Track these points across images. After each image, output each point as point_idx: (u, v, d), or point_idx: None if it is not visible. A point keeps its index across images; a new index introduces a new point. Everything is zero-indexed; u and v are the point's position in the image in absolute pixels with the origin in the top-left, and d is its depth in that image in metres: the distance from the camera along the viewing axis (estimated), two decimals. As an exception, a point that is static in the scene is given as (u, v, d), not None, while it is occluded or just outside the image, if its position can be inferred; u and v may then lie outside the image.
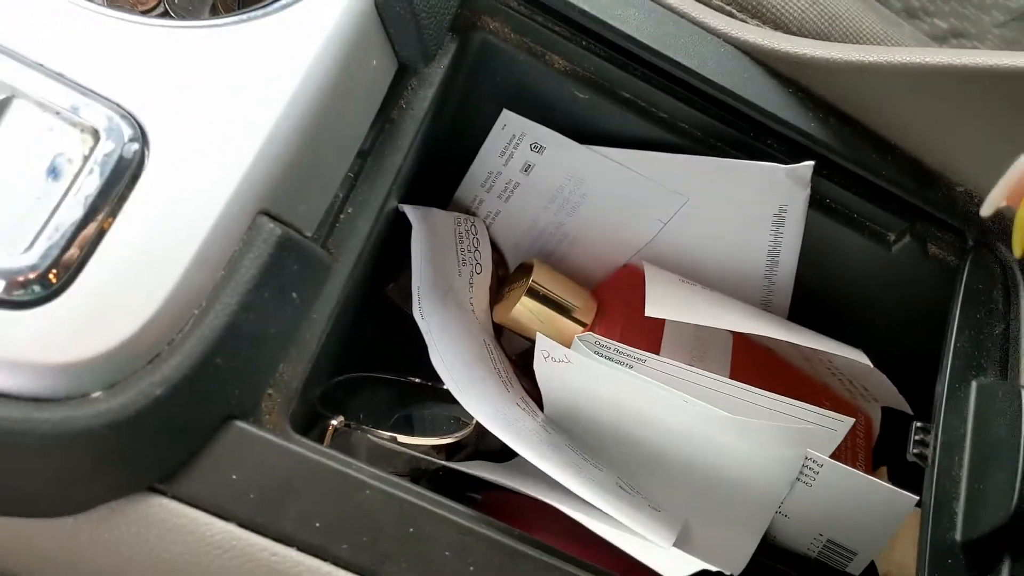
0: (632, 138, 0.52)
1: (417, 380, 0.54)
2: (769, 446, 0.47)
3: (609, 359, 0.49)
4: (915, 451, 0.47)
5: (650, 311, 0.49)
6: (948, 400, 0.47)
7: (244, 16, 0.39)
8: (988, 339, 0.49)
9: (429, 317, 0.47)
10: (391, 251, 0.50)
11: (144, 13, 0.47)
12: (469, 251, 0.53)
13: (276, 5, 0.40)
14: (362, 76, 0.42)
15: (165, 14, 0.48)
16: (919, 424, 0.47)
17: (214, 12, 0.49)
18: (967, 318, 0.49)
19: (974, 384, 0.47)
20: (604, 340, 0.49)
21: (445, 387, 0.46)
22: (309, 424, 0.45)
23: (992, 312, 0.50)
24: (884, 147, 0.52)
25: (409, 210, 0.49)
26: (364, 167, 0.44)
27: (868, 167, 0.52)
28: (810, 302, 0.58)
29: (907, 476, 0.49)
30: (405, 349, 0.49)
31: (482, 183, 0.54)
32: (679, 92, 0.51)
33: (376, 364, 0.53)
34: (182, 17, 0.48)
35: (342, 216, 0.43)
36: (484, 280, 0.54)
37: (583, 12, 0.48)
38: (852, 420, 0.47)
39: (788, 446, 0.47)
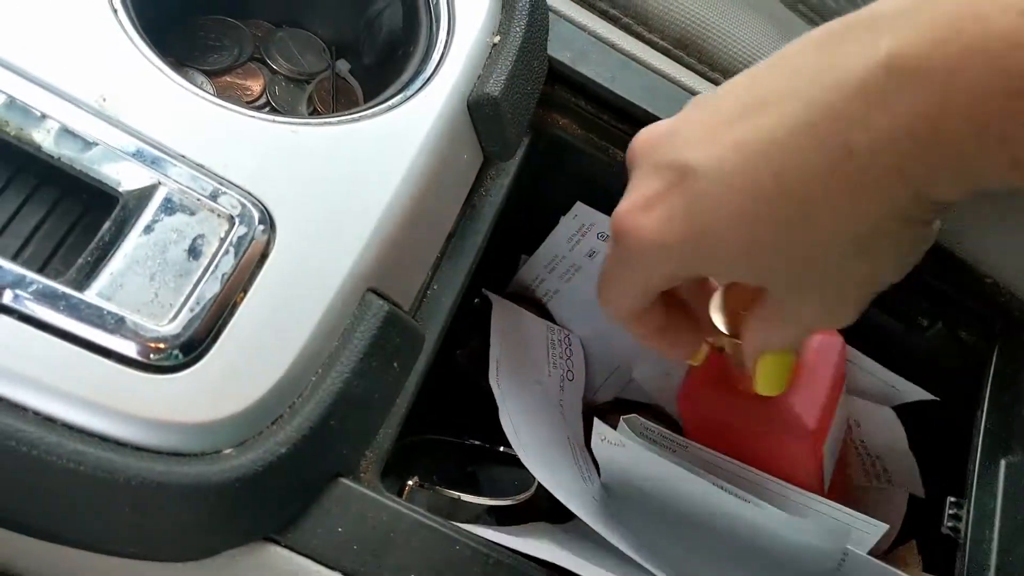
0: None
1: (477, 442, 0.58)
2: (807, 540, 0.49)
3: (653, 442, 0.53)
4: (949, 524, 0.50)
5: None
6: (979, 477, 0.50)
7: (356, 115, 0.44)
8: (1015, 420, 0.53)
9: (506, 387, 0.51)
10: (460, 320, 0.54)
11: (249, 104, 0.52)
12: (562, 358, 0.58)
13: (383, 106, 0.45)
14: (455, 169, 0.47)
15: (268, 104, 0.53)
16: (953, 499, 0.50)
17: (310, 103, 0.54)
18: (996, 400, 0.53)
19: (1003, 462, 0.50)
20: (649, 424, 0.53)
21: (506, 451, 0.50)
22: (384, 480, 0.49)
23: (1019, 395, 0.54)
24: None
25: (493, 297, 0.53)
26: (449, 248, 0.49)
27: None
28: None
29: (935, 549, 0.52)
30: (464, 409, 0.53)
31: (546, 264, 0.59)
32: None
33: (436, 423, 0.57)
34: (284, 109, 0.53)
35: (429, 292, 0.47)
36: (577, 388, 0.58)
37: (646, 112, 0.53)
38: (887, 526, 0.50)
39: (827, 542, 0.49)
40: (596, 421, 0.51)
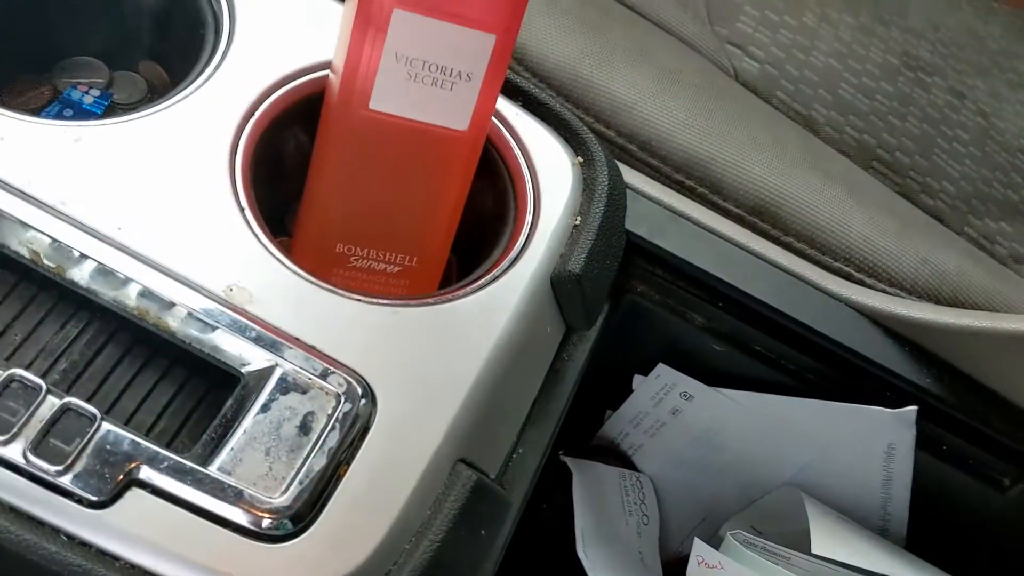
0: (763, 383, 0.59)
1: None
2: None
3: (761, 551, 0.54)
4: None
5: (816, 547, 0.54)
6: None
7: (447, 296, 0.49)
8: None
9: (593, 555, 0.54)
10: (546, 473, 0.57)
11: (35, 111, 0.55)
12: (635, 503, 0.60)
13: (475, 286, 0.49)
14: (539, 341, 0.51)
15: (112, 107, 0.57)
16: None
17: (151, 95, 0.57)
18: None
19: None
20: (753, 537, 0.54)
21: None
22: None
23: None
24: (993, 398, 0.58)
25: (571, 463, 0.56)
26: (532, 413, 0.52)
27: (978, 417, 0.57)
28: (928, 533, 0.62)
29: None
30: (550, 563, 0.55)
31: (631, 420, 0.62)
32: (804, 346, 0.58)
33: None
34: (126, 108, 0.56)
35: (514, 456, 0.51)
36: (652, 531, 0.60)
37: (719, 280, 0.57)
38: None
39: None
40: (696, 540, 0.53)
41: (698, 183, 0.63)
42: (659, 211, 0.57)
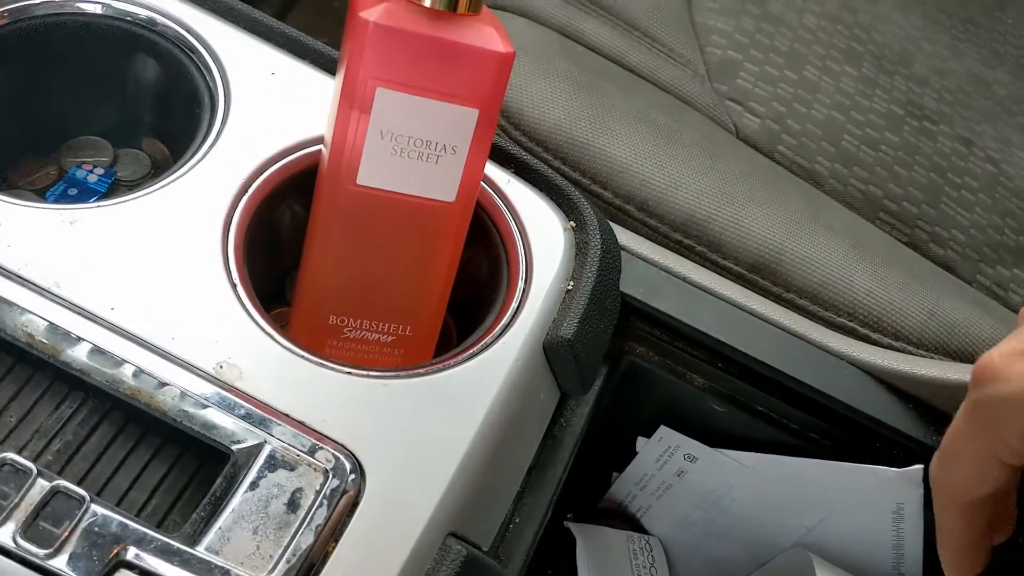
0: (766, 443, 0.59)
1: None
2: None
3: None
4: None
5: None
6: None
7: (438, 365, 0.49)
8: None
9: None
10: (549, 540, 0.57)
11: (41, 191, 0.57)
12: (645, 567, 0.59)
13: (467, 355, 0.49)
14: (533, 407, 0.50)
15: (116, 184, 0.58)
16: None
17: (155, 171, 0.58)
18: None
19: None
20: None
21: None
22: None
23: None
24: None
25: (575, 528, 0.56)
26: (530, 481, 0.52)
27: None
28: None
29: None
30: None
31: (636, 482, 0.61)
32: (808, 406, 0.57)
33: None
34: (130, 185, 0.57)
35: (511, 526, 0.50)
36: None
37: (718, 340, 0.56)
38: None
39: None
40: None
41: (696, 242, 0.63)
42: (656, 272, 0.57)
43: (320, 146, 0.53)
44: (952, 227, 0.79)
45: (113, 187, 0.60)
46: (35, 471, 0.41)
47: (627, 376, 0.58)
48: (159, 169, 0.61)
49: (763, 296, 0.61)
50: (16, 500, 0.40)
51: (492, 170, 0.55)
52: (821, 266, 0.64)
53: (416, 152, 0.48)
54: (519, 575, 0.49)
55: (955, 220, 0.80)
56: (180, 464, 0.45)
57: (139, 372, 0.45)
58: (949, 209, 0.80)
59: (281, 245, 0.56)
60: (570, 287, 0.53)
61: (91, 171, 0.60)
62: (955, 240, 0.79)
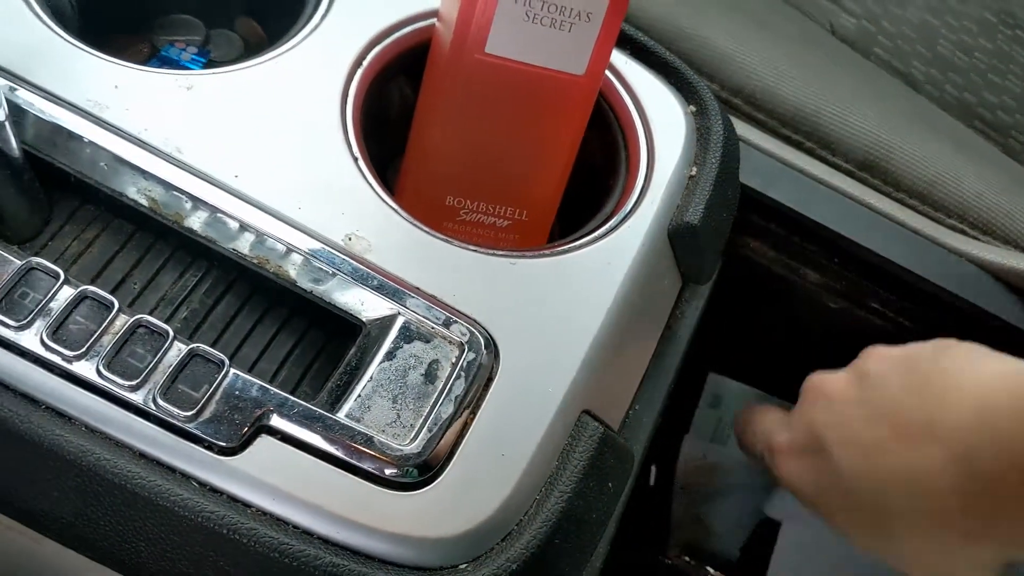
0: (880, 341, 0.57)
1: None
2: None
3: None
4: None
5: None
6: None
7: (566, 248, 0.47)
8: None
9: None
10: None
11: (144, 61, 0.55)
12: None
13: (590, 238, 0.48)
14: (657, 293, 0.49)
15: (211, 63, 0.56)
16: None
17: (247, 52, 0.56)
18: None
19: None
20: None
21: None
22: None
23: None
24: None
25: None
26: (648, 369, 0.51)
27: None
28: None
29: None
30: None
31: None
32: (925, 302, 0.56)
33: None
34: (221, 62, 0.55)
35: (631, 412, 0.49)
36: None
37: (836, 234, 0.55)
38: None
39: None
40: None
41: (806, 138, 0.61)
42: (771, 163, 0.56)
43: (433, 20, 0.51)
44: (1047, 138, 0.77)
45: (207, 67, 0.58)
46: (172, 333, 0.40)
47: (740, 271, 0.57)
48: (251, 50, 0.59)
49: (876, 193, 0.59)
50: (153, 362, 0.39)
51: (610, 51, 0.53)
52: (930, 166, 0.62)
53: (549, 19, 0.46)
54: (639, 464, 0.48)
55: (1049, 131, 0.78)
56: (307, 337, 0.44)
57: (265, 240, 0.43)
58: (1044, 120, 0.78)
59: (385, 129, 0.54)
60: (693, 173, 0.51)
61: (184, 50, 0.58)
62: (1050, 151, 0.76)
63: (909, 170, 0.62)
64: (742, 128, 0.57)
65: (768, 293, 0.57)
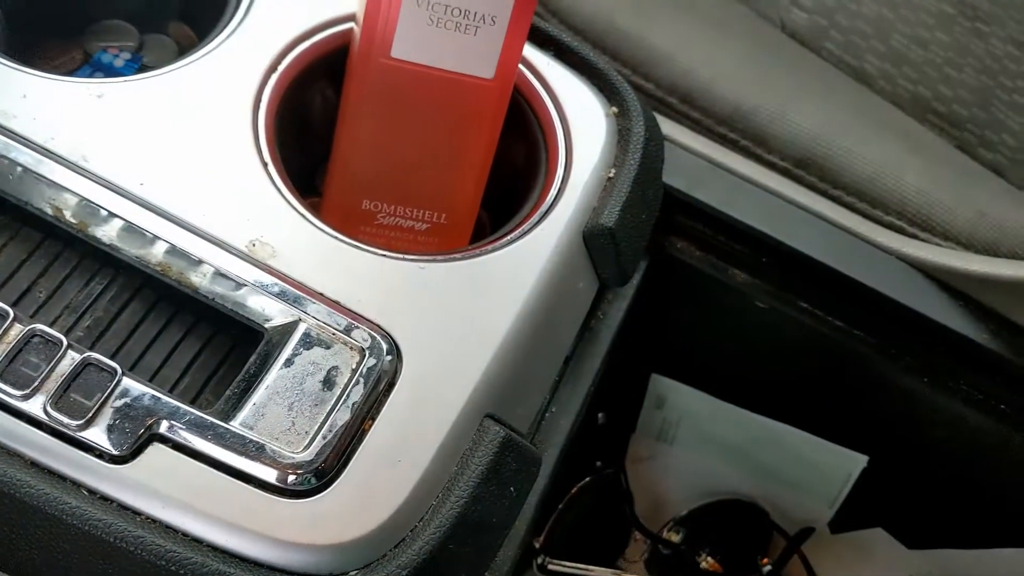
0: (809, 339, 0.57)
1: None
2: None
3: None
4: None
5: None
6: None
7: (478, 251, 0.47)
8: None
9: None
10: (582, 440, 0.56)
11: (66, 75, 0.50)
12: None
13: (504, 240, 0.48)
14: (571, 297, 0.49)
15: (144, 69, 0.54)
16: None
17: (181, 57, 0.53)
18: None
19: None
20: None
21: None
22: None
23: None
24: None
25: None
26: (566, 372, 0.51)
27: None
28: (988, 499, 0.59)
29: None
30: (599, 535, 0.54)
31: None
32: (854, 301, 0.55)
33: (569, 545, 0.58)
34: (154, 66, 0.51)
35: (547, 415, 0.49)
36: None
37: (763, 233, 0.54)
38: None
39: None
40: None
41: (741, 135, 0.60)
42: (699, 163, 0.55)
43: (352, 24, 0.51)
44: (1002, 131, 0.76)
45: (139, 72, 0.58)
46: (65, 343, 0.40)
47: (667, 272, 0.57)
48: (185, 55, 0.59)
49: (810, 191, 0.59)
50: (46, 371, 0.39)
51: (530, 51, 0.53)
52: (870, 162, 0.62)
53: (453, 22, 0.45)
54: (555, 464, 0.48)
55: (1005, 124, 0.77)
56: (213, 343, 0.44)
57: (170, 248, 0.43)
58: (1000, 113, 0.77)
59: (313, 132, 0.54)
60: (612, 175, 0.51)
61: (117, 55, 0.58)
62: (1005, 144, 0.76)
63: (848, 166, 0.62)
64: (670, 127, 0.57)
65: (697, 293, 0.57)
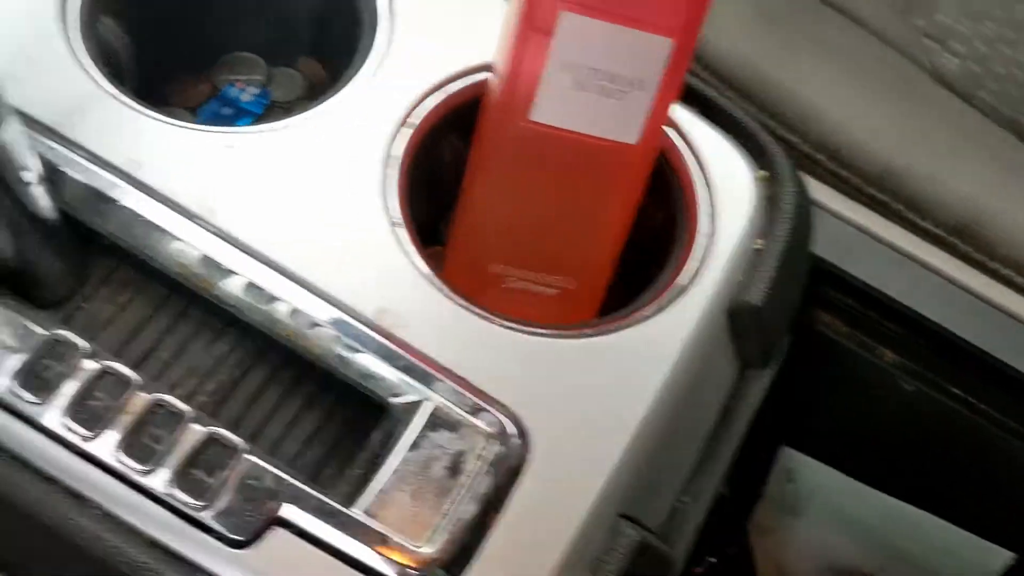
0: (958, 430, 0.53)
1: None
2: None
3: None
4: None
5: None
6: None
7: (610, 326, 0.44)
8: None
9: None
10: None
11: (193, 109, 0.53)
12: None
13: (638, 316, 0.45)
14: (711, 380, 0.46)
15: (272, 106, 0.54)
16: None
17: (310, 92, 0.54)
18: None
19: None
20: None
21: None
22: None
23: None
24: None
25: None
26: (700, 457, 0.47)
27: None
28: None
29: None
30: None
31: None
32: (1010, 390, 0.51)
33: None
34: (285, 107, 0.52)
35: (678, 504, 0.46)
36: None
37: (915, 312, 0.50)
38: None
39: None
40: None
41: (892, 198, 0.56)
42: (849, 231, 0.51)
43: (488, 74, 0.48)
44: None
45: (268, 109, 0.57)
46: (190, 415, 0.38)
47: (809, 346, 0.53)
48: (314, 90, 0.58)
49: (965, 263, 0.54)
50: (170, 445, 0.38)
51: (674, 108, 0.49)
52: (1033, 231, 0.57)
53: (599, 87, 0.43)
54: (685, 558, 0.45)
55: None
56: (334, 413, 0.43)
57: (295, 311, 0.42)
58: None
59: (440, 182, 0.52)
60: (759, 246, 0.47)
61: (244, 90, 0.57)
62: None
63: (1007, 237, 0.57)
64: (820, 190, 0.53)
65: (840, 370, 0.53)
